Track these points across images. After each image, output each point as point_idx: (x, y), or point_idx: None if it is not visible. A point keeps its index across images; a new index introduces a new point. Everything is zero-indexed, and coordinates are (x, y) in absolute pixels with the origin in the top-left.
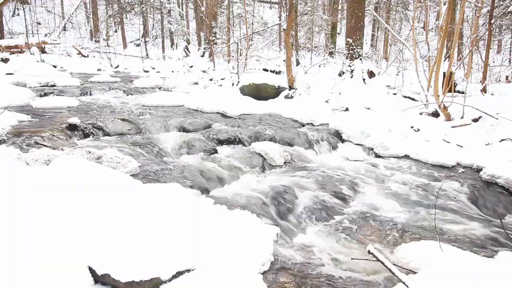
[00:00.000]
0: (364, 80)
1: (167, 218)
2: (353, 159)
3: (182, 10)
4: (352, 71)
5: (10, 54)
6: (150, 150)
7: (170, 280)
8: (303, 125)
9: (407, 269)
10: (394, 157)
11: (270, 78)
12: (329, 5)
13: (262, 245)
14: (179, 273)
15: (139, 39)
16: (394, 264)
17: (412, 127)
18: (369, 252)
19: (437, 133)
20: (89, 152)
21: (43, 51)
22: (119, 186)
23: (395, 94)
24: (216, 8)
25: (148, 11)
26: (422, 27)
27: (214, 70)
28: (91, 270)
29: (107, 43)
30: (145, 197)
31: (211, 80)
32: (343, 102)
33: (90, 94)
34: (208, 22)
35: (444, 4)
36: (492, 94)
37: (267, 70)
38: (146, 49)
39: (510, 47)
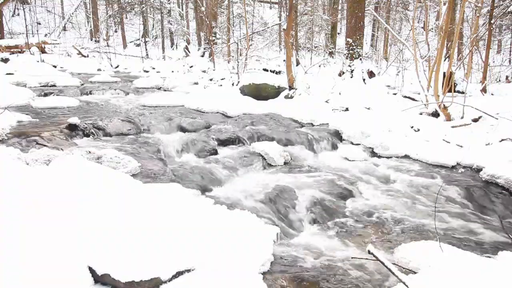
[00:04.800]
0: (364, 80)
1: (167, 218)
2: (353, 159)
3: (182, 10)
4: (352, 71)
5: (10, 54)
6: (150, 150)
7: (170, 280)
8: (303, 125)
9: (407, 269)
10: (394, 157)
11: (270, 78)
12: (329, 5)
13: (262, 245)
14: (179, 273)
15: (139, 39)
16: (394, 264)
17: (412, 127)
18: (369, 252)
19: (437, 133)
20: (89, 152)
21: (43, 51)
22: (119, 186)
23: (395, 94)
24: (216, 8)
25: (148, 11)
26: (422, 27)
27: (214, 70)
28: (91, 270)
29: (107, 43)
30: (145, 197)
31: (211, 80)
32: (343, 102)
33: (90, 94)
34: (208, 22)
35: (444, 4)
36: (492, 94)
37: (267, 70)
38: (146, 49)
39: (510, 47)
